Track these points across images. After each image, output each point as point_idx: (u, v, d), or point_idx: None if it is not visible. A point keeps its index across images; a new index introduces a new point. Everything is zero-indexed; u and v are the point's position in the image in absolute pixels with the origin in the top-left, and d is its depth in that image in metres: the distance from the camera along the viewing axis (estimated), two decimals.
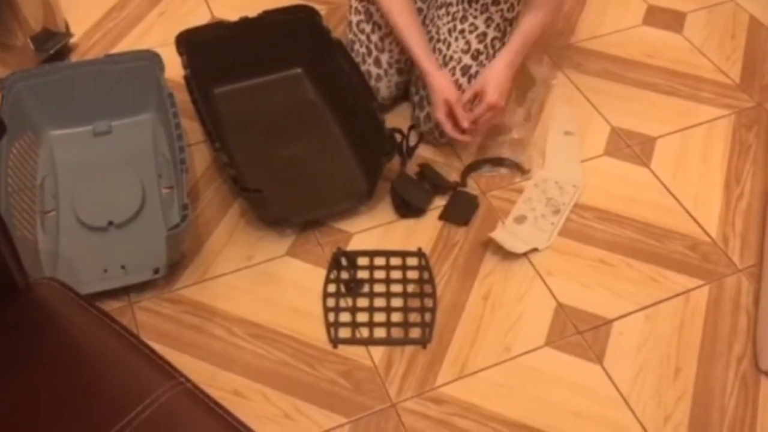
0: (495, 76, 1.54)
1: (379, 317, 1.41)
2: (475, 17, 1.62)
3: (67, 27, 1.86)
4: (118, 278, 1.41)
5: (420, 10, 1.68)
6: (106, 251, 1.46)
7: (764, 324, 1.37)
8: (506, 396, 1.31)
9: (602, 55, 1.92)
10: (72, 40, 1.87)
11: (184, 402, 0.89)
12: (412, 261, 1.49)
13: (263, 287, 1.45)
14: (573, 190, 1.61)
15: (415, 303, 1.43)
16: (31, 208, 1.49)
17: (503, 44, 1.66)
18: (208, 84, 1.70)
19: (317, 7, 1.76)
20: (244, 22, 1.70)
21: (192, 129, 1.67)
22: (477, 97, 1.56)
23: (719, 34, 1.99)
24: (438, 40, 1.64)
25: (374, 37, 1.67)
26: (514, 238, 1.51)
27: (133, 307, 1.41)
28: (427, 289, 1.44)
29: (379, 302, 1.43)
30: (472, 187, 1.62)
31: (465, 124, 1.54)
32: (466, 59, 1.61)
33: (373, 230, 1.54)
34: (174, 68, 1.63)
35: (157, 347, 0.96)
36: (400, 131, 1.56)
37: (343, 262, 1.47)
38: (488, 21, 1.63)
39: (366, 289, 1.45)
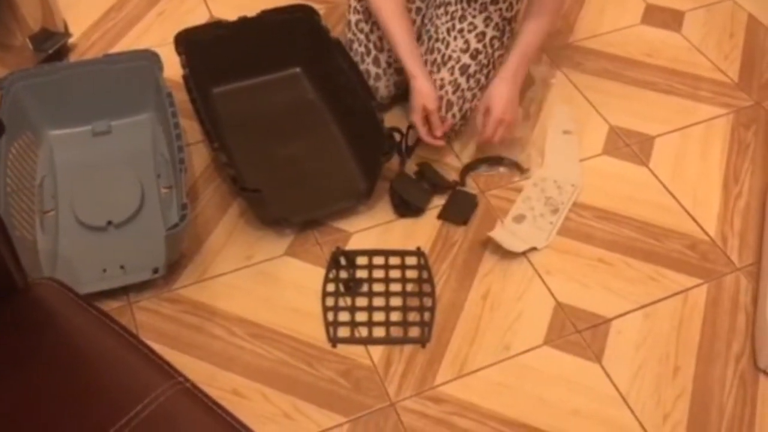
0: (498, 93, 1.56)
1: (378, 316, 1.41)
2: (474, 16, 1.63)
3: (65, 27, 1.86)
4: (117, 278, 1.41)
5: (419, 9, 1.68)
6: (105, 251, 1.46)
7: (763, 322, 1.37)
8: (505, 395, 1.31)
9: (601, 54, 1.93)
10: (71, 40, 1.87)
11: (183, 401, 0.89)
12: (411, 260, 1.49)
13: (262, 287, 1.45)
14: (572, 189, 1.61)
15: (414, 302, 1.43)
16: (30, 208, 1.49)
17: (502, 43, 1.66)
18: (206, 83, 1.70)
19: (316, 6, 1.76)
20: (243, 21, 1.70)
21: (191, 129, 1.67)
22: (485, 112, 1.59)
23: (718, 33, 1.99)
24: (437, 40, 1.64)
25: (373, 37, 1.67)
26: (513, 237, 1.51)
27: (132, 307, 1.41)
28: (426, 288, 1.45)
29: (378, 301, 1.43)
30: (471, 186, 1.63)
31: (438, 133, 1.57)
32: (465, 58, 1.61)
33: (372, 229, 1.54)
34: (173, 68, 1.63)
35: (156, 347, 0.96)
36: (399, 130, 1.56)
37: (342, 261, 1.47)
38: (487, 20, 1.63)
39: (365, 288, 1.45)
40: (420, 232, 1.54)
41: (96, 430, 0.86)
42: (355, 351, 1.37)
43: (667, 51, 1.94)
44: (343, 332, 1.38)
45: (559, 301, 1.44)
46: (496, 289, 1.46)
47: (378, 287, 1.45)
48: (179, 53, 1.61)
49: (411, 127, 1.60)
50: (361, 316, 1.41)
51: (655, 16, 2.03)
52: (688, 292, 1.46)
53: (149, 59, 1.62)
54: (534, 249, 1.51)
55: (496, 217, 1.57)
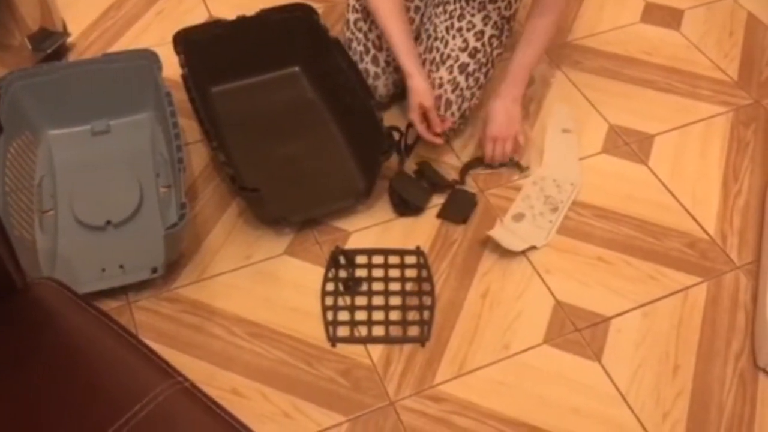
0: (493, 111, 1.59)
1: (378, 315, 1.41)
2: (473, 15, 1.62)
3: (64, 26, 1.86)
4: (116, 277, 1.41)
5: (418, 8, 1.68)
6: (104, 250, 1.46)
7: (762, 321, 1.37)
8: (505, 394, 1.31)
9: (600, 52, 1.92)
10: (69, 40, 1.87)
11: (182, 401, 0.89)
12: (410, 259, 1.49)
13: (261, 286, 1.45)
14: (571, 187, 1.61)
15: (413, 301, 1.43)
16: (29, 208, 1.49)
17: (501, 42, 1.66)
18: (205, 83, 1.70)
19: (314, 5, 1.76)
20: (242, 20, 1.70)
21: (190, 128, 1.67)
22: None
23: (717, 31, 1.99)
24: (435, 38, 1.64)
25: (372, 36, 1.67)
26: (513, 236, 1.51)
27: (131, 307, 1.41)
28: (426, 287, 1.45)
29: (378, 300, 1.43)
30: (470, 185, 1.62)
31: (437, 130, 1.58)
32: (464, 57, 1.61)
33: (372, 229, 1.54)
34: (171, 67, 1.63)
35: (155, 346, 0.96)
36: (398, 129, 1.56)
37: (342, 260, 1.47)
38: (486, 19, 1.63)
39: (364, 287, 1.45)
40: (419, 231, 1.54)
41: (95, 429, 0.86)
42: (355, 350, 1.36)
43: (667, 49, 1.94)
44: (343, 331, 1.38)
45: (558, 299, 1.44)
46: (495, 287, 1.46)
47: (377, 286, 1.45)
48: (178, 52, 1.61)
49: (410, 125, 1.60)
50: (360, 315, 1.40)
51: (654, 15, 2.03)
52: (687, 291, 1.46)
53: (148, 58, 1.62)
54: (533, 248, 1.51)
55: (495, 216, 1.57)
